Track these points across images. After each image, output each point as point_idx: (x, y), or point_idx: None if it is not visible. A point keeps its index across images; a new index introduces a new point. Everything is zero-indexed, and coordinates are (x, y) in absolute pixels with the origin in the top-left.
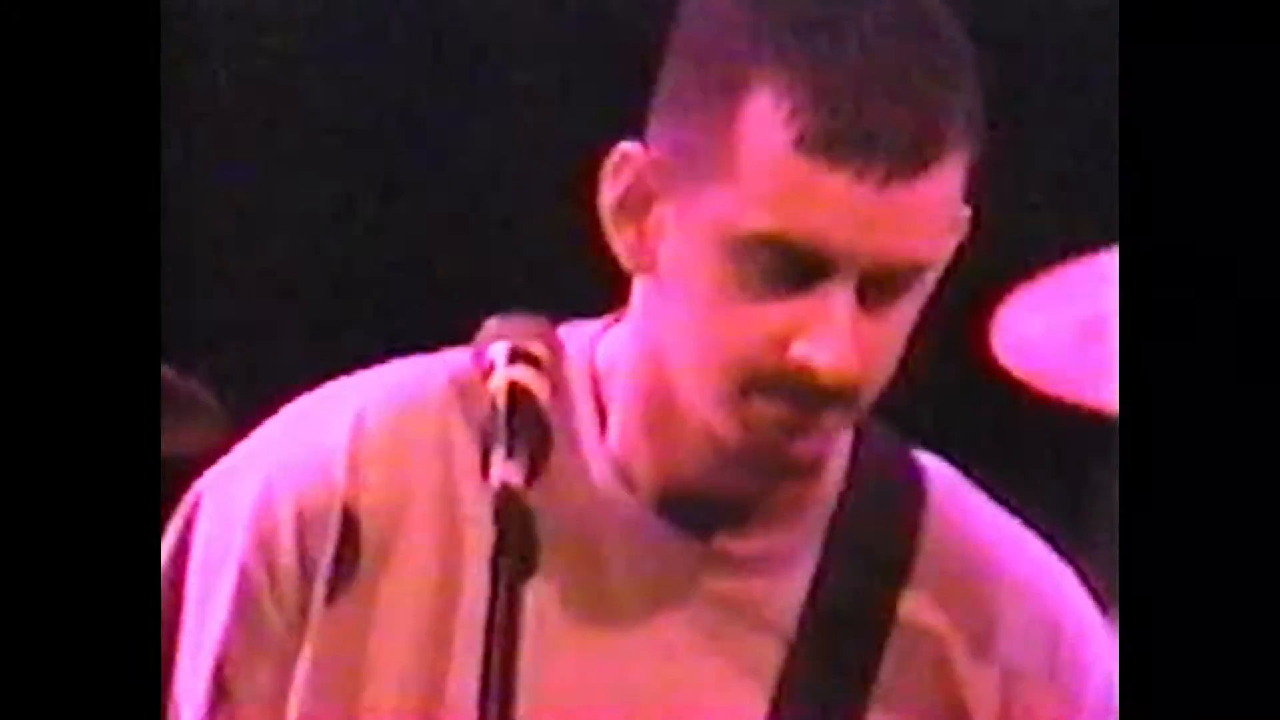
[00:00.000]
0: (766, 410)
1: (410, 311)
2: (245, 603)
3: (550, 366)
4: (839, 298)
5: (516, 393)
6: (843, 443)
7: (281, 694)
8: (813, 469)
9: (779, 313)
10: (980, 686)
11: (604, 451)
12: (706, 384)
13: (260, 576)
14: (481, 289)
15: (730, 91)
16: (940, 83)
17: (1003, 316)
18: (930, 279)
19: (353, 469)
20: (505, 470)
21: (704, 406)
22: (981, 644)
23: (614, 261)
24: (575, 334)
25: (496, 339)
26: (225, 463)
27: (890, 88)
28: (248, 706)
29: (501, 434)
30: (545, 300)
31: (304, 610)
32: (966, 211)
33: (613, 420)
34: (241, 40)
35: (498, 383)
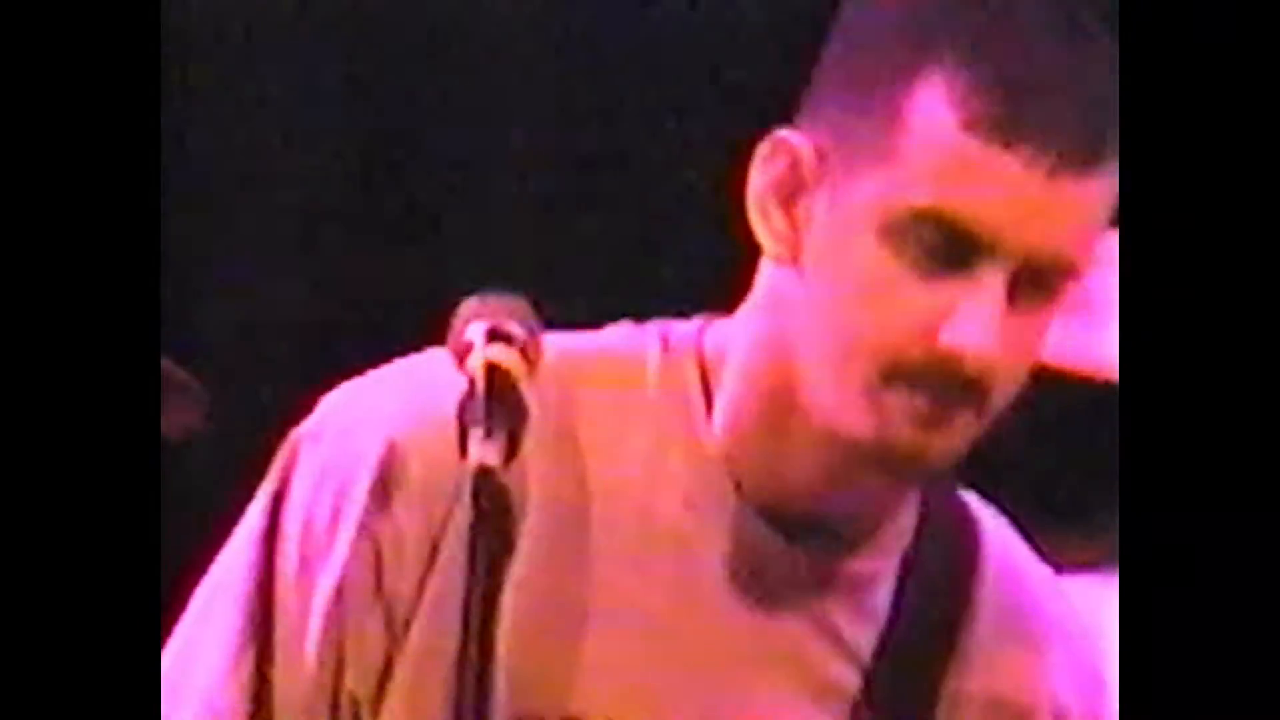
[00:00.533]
0: (905, 402)
1: (411, 312)
2: (363, 566)
3: (528, 346)
4: (992, 282)
5: (494, 373)
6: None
7: (387, 659)
8: (943, 471)
9: (930, 298)
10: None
11: (709, 443)
12: (848, 374)
13: (383, 540)
14: (485, 288)
15: (900, 78)
16: (1108, 85)
17: None
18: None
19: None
20: (483, 450)
21: (838, 400)
22: (1031, 693)
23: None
24: (677, 327)
25: (474, 319)
26: (322, 414)
27: (1065, 82)
28: (354, 668)
29: (480, 414)
30: (546, 302)
31: (423, 580)
32: (1114, 235)
33: (720, 413)
34: (241, 40)
35: (475, 363)
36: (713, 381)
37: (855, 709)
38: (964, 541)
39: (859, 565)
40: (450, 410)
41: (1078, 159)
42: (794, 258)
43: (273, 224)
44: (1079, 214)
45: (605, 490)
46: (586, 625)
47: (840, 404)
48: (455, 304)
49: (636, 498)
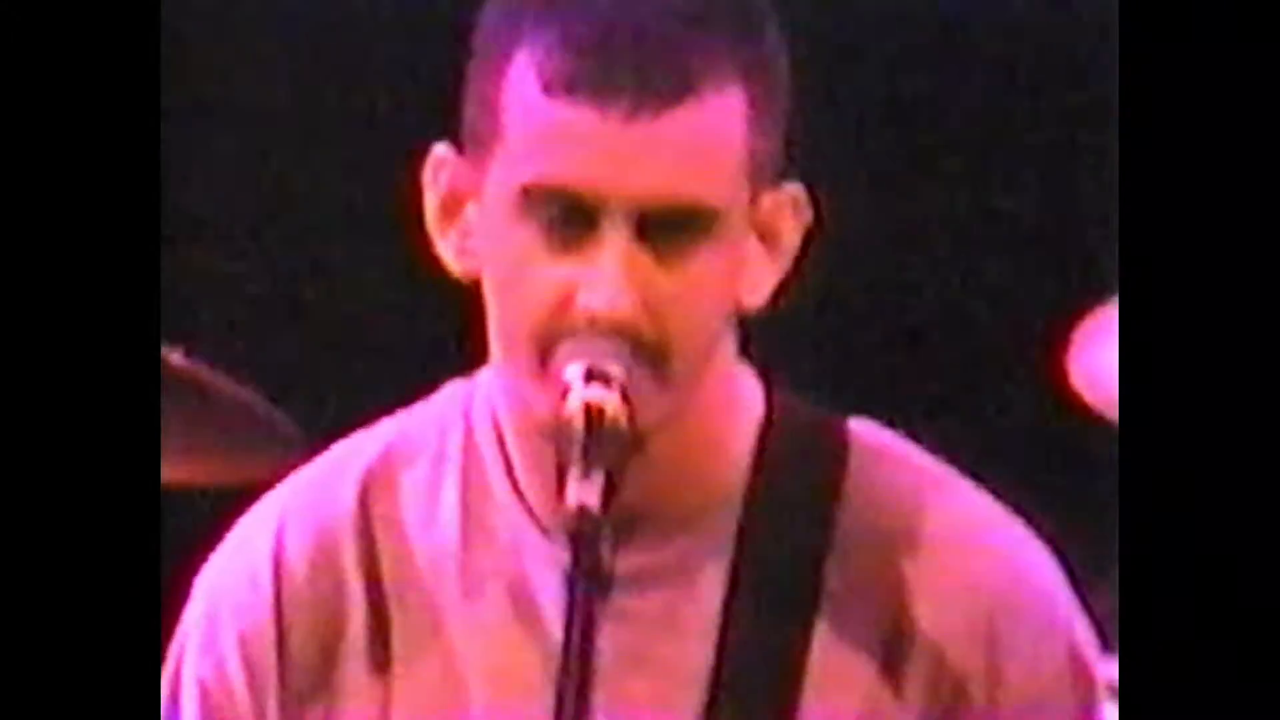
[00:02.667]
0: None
1: (411, 313)
2: (210, 713)
3: (626, 387)
4: (610, 241)
5: (592, 414)
6: (742, 439)
7: None
8: (642, 440)
9: (564, 268)
10: (910, 644)
11: (512, 489)
12: (520, 362)
13: (216, 692)
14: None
15: (498, 64)
16: (696, 27)
17: (1077, 345)
18: (740, 241)
19: (278, 585)
20: (581, 491)
21: (531, 392)
22: (908, 600)
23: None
24: (485, 376)
25: (572, 359)
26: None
27: (635, 30)
28: None
29: (578, 454)
30: None
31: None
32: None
33: (512, 454)
34: (241, 41)
35: (574, 404)
36: (501, 428)
37: (712, 684)
38: (823, 473)
39: (665, 555)
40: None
41: (653, 99)
42: (476, 268)
43: (273, 225)
44: (675, 151)
45: (431, 557)
46: (467, 692)
47: (531, 396)
48: (460, 303)
49: (463, 558)
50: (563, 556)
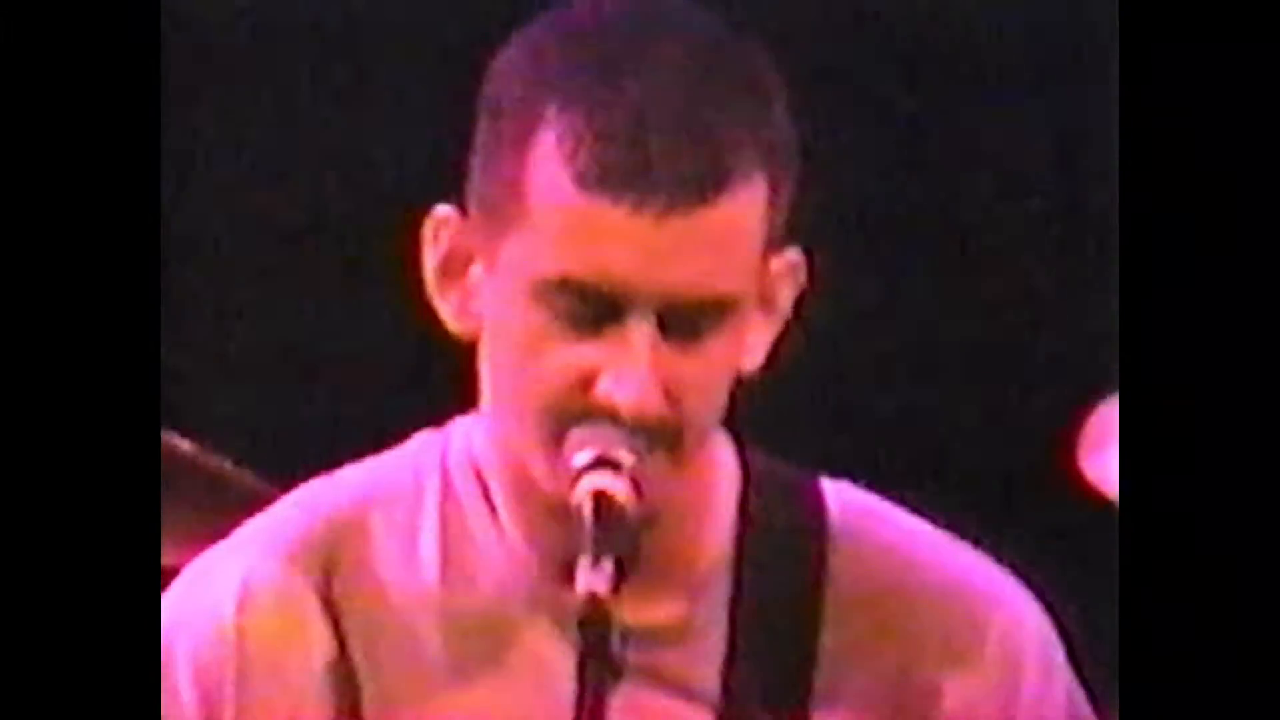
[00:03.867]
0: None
1: (412, 314)
2: None
3: (636, 473)
4: (636, 334)
5: (602, 501)
6: (726, 499)
7: None
8: (654, 519)
9: (583, 354)
10: (915, 698)
11: (497, 538)
12: (529, 438)
13: None
14: None
15: (520, 139)
16: (724, 115)
17: (1089, 432)
18: (749, 316)
19: (240, 628)
20: (590, 578)
21: (541, 465)
22: (909, 656)
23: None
24: (460, 426)
25: (582, 446)
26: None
27: (668, 122)
28: None
29: (587, 542)
30: None
31: None
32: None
33: (501, 511)
34: (241, 41)
35: (583, 492)
36: (486, 480)
37: None
38: (806, 535)
39: (668, 612)
40: (220, 612)
41: (687, 197)
42: (475, 332)
43: (273, 228)
44: (705, 248)
45: (407, 598)
46: None
47: (538, 469)
48: (461, 361)
49: (443, 599)
50: (556, 599)
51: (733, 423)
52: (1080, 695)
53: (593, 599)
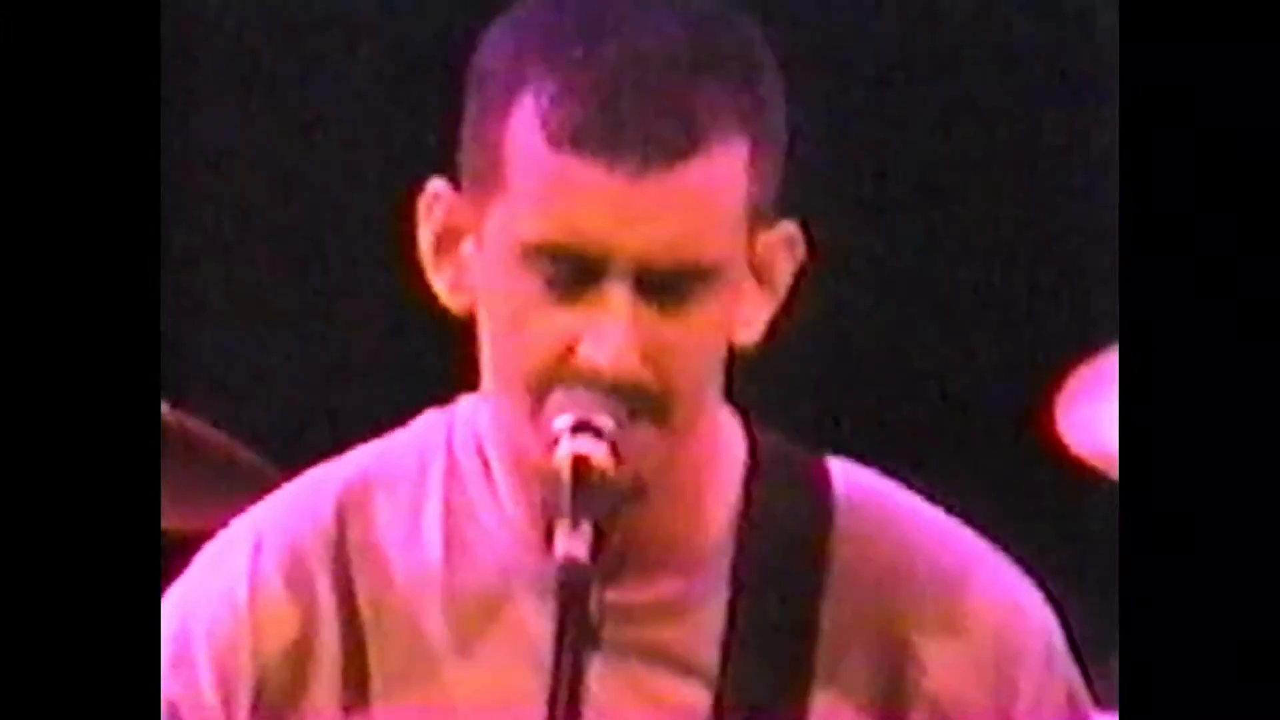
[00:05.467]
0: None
1: (412, 314)
2: None
3: (616, 439)
4: (614, 296)
5: (580, 465)
6: (730, 476)
7: None
8: (643, 489)
9: (564, 321)
10: (913, 680)
11: (498, 516)
12: (515, 405)
13: (186, 713)
14: None
15: (501, 105)
16: (702, 79)
17: (1067, 398)
18: (739, 286)
19: (254, 606)
20: (570, 543)
21: (525, 435)
22: (908, 639)
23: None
24: (465, 405)
25: (561, 410)
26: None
27: (642, 82)
28: None
29: (566, 507)
30: None
31: None
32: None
33: (499, 486)
34: (242, 41)
35: (562, 455)
36: (487, 455)
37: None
38: (811, 514)
39: (668, 587)
40: (233, 587)
41: (661, 156)
42: (470, 305)
43: (273, 230)
44: (679, 208)
45: (412, 578)
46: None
47: (523, 436)
48: (462, 339)
49: (446, 580)
50: (552, 580)
51: (737, 399)
52: (1081, 688)
53: (571, 563)
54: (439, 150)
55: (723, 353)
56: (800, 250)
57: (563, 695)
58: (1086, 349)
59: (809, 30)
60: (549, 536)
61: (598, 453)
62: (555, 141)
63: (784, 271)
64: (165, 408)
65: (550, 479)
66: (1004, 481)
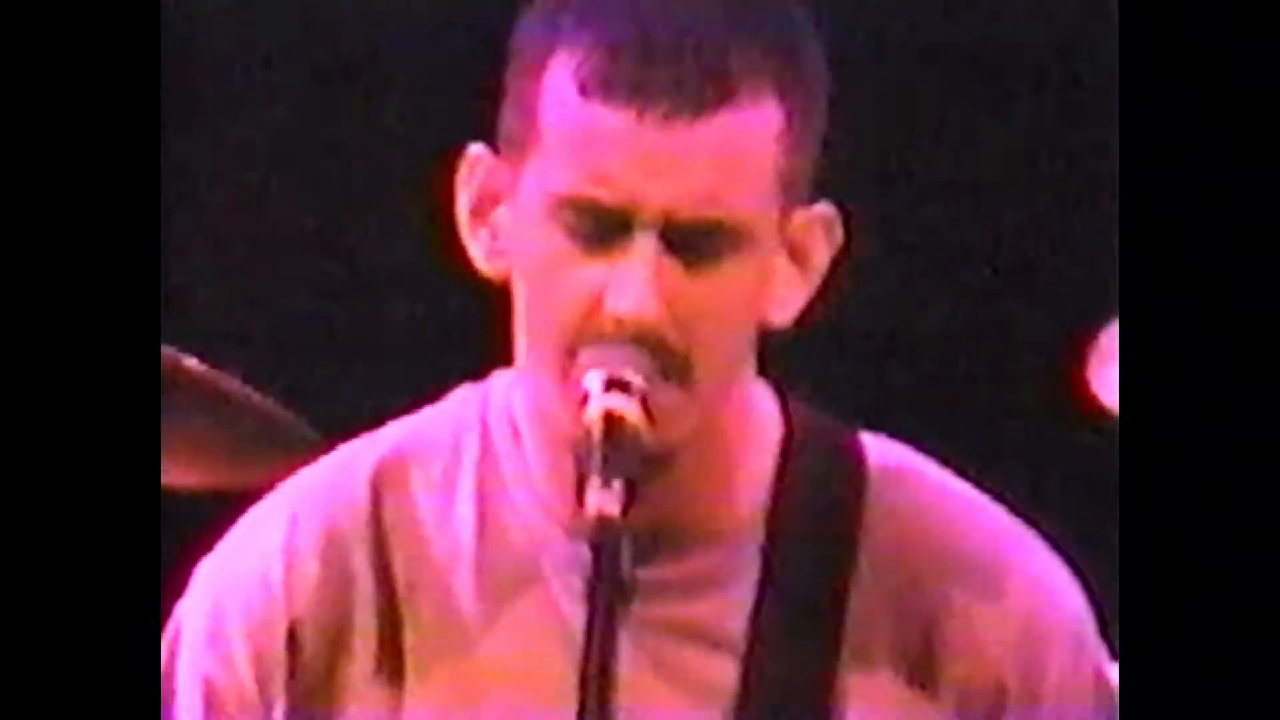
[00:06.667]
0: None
1: (414, 313)
2: (212, 713)
3: (646, 395)
4: (640, 247)
5: (612, 421)
6: (765, 450)
7: None
8: (669, 454)
9: (591, 273)
10: (942, 657)
11: (530, 492)
12: (545, 362)
13: (223, 689)
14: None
15: (536, 64)
16: (736, 37)
17: (1099, 352)
18: (771, 258)
19: (289, 582)
20: (601, 499)
21: (552, 398)
22: (938, 617)
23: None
24: (500, 380)
25: (592, 367)
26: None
27: (675, 34)
28: None
29: (597, 463)
30: None
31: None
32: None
33: (530, 459)
34: (242, 40)
35: (593, 411)
36: (519, 430)
37: (739, 699)
38: (844, 490)
39: (698, 564)
40: (268, 562)
41: (689, 105)
42: (505, 271)
43: (273, 230)
44: (707, 159)
45: (445, 554)
46: (485, 691)
47: (553, 401)
48: (461, 304)
49: (478, 556)
50: (583, 556)
51: (773, 376)
52: (1108, 672)
53: (603, 519)
54: (478, 121)
55: (752, 322)
56: (838, 233)
57: (595, 655)
58: (1099, 310)
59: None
60: (581, 501)
61: (629, 409)
62: (587, 91)
63: (820, 253)
64: (175, 355)
65: (581, 436)
66: (1030, 445)
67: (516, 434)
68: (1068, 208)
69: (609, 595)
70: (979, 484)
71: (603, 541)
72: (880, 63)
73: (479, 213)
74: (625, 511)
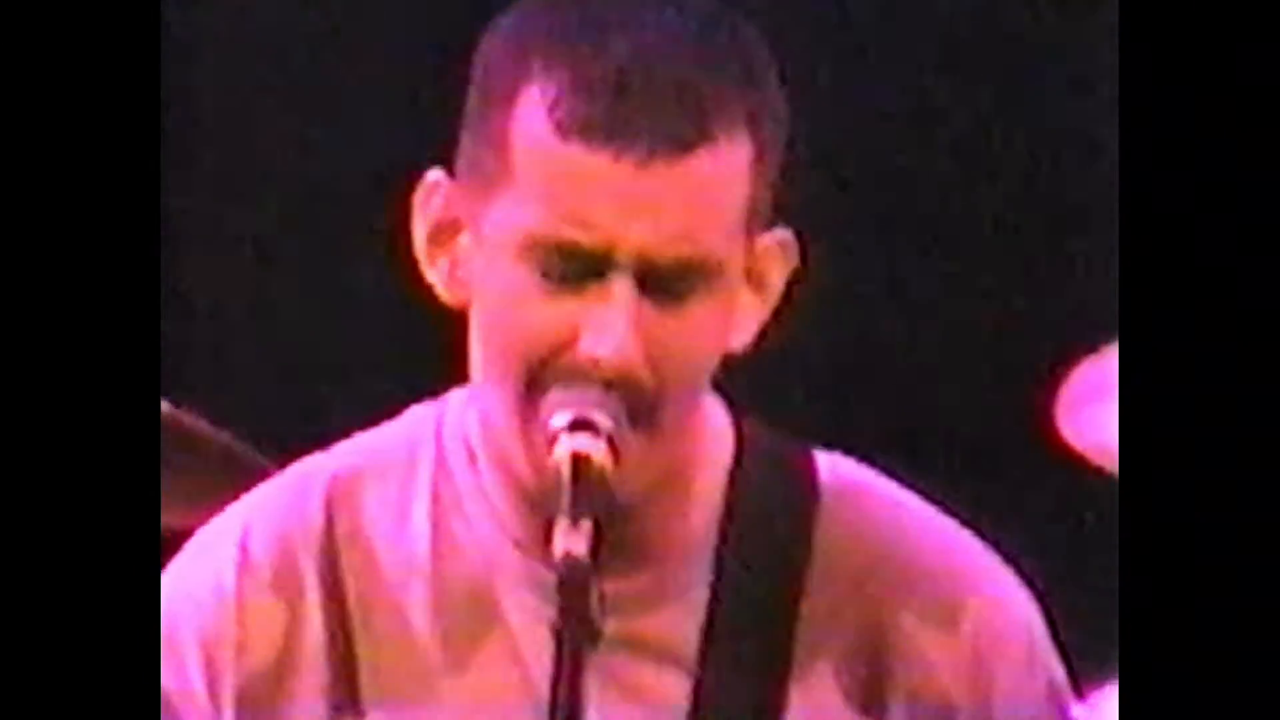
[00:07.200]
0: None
1: (412, 312)
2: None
3: (613, 436)
4: (617, 289)
5: (579, 463)
6: (715, 466)
7: None
8: (632, 496)
9: (564, 311)
10: (893, 671)
11: (485, 508)
12: (507, 402)
13: (179, 701)
14: None
15: (505, 96)
16: (708, 74)
17: (1068, 392)
18: (735, 290)
19: (241, 591)
20: (569, 540)
21: (511, 434)
22: (888, 630)
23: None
24: (456, 398)
25: (559, 408)
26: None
27: (650, 75)
28: None
29: (565, 504)
30: None
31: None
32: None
33: (485, 476)
34: (241, 40)
35: (561, 452)
36: (474, 450)
37: (691, 715)
38: (796, 506)
39: (650, 579)
40: (220, 578)
41: (667, 147)
42: (465, 299)
43: (273, 227)
44: (682, 200)
45: (399, 569)
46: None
47: (511, 437)
48: (457, 333)
49: (433, 571)
50: (537, 573)
51: (728, 390)
52: (1063, 681)
53: (571, 560)
54: (432, 145)
55: (717, 356)
56: (793, 255)
57: (563, 693)
58: (1086, 346)
59: (809, 24)
60: (542, 534)
61: (596, 450)
62: (563, 132)
63: (777, 277)
64: (165, 406)
65: (549, 477)
66: (1005, 480)
67: (471, 452)
68: (1061, 239)
69: (576, 635)
70: (947, 507)
71: (571, 581)
72: (864, 82)
73: (437, 240)
74: (594, 553)
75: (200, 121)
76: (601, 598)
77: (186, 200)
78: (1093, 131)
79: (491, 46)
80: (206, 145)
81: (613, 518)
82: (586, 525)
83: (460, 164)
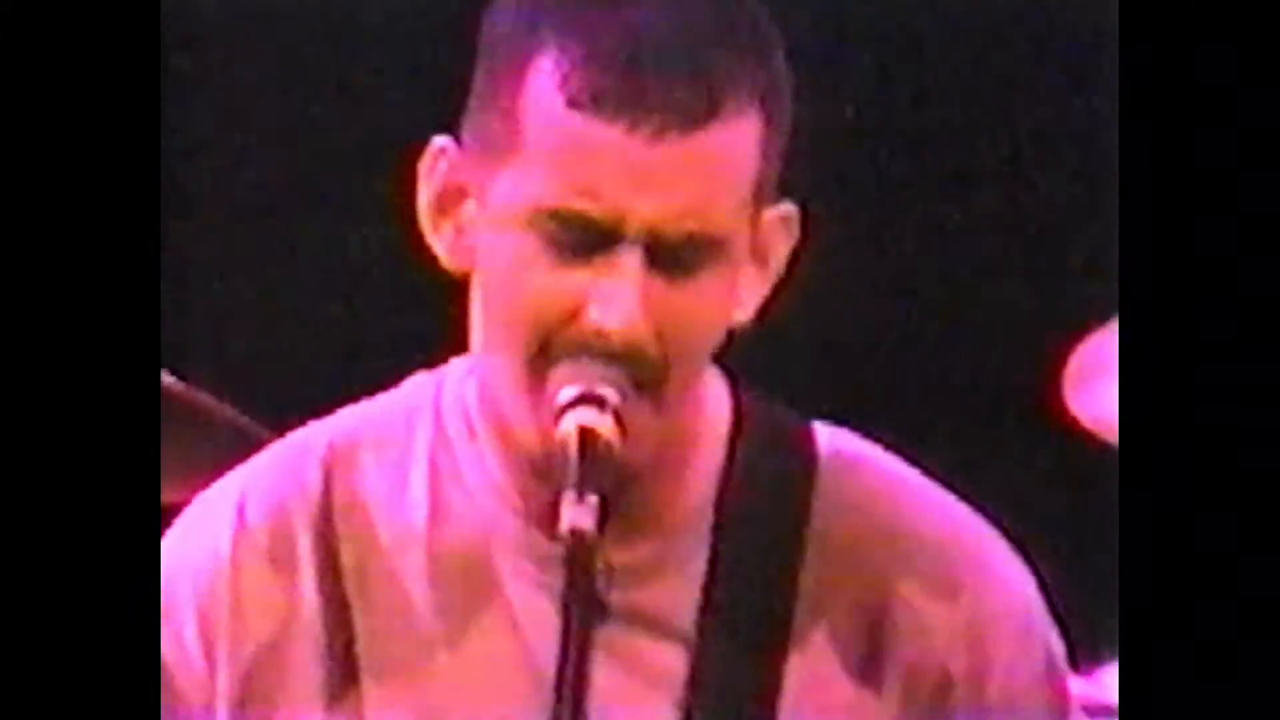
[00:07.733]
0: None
1: (415, 311)
2: (169, 693)
3: (620, 410)
4: (626, 261)
5: (586, 437)
6: (714, 439)
7: None
8: (636, 468)
9: (572, 280)
10: (890, 644)
11: (483, 477)
12: (511, 373)
13: (175, 668)
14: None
15: (516, 68)
16: (720, 49)
17: (1075, 366)
18: (740, 264)
19: (236, 556)
20: (575, 514)
21: (515, 406)
22: (885, 603)
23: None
24: (456, 367)
25: (567, 383)
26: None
27: (664, 49)
28: None
29: (572, 478)
30: None
31: (212, 703)
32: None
33: (484, 445)
34: (241, 39)
35: (567, 427)
36: (473, 418)
37: (688, 686)
38: (794, 478)
39: (649, 550)
40: (216, 546)
41: (680, 121)
42: (468, 266)
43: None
44: (693, 174)
45: (396, 537)
46: (433, 672)
47: (517, 408)
48: (458, 303)
49: (430, 540)
50: (535, 540)
51: (729, 363)
52: (1060, 655)
53: (577, 535)
54: (436, 113)
55: (723, 329)
56: (796, 230)
57: (570, 666)
58: (1090, 323)
59: (811, 12)
60: (544, 504)
61: (603, 425)
62: (576, 103)
63: (781, 251)
64: (166, 379)
65: (554, 449)
66: (1007, 453)
67: (470, 421)
68: (1060, 205)
69: (583, 608)
70: (953, 487)
71: (577, 556)
72: (868, 66)
73: (442, 207)
74: (600, 527)
75: (201, 91)
76: (609, 571)
77: (187, 172)
78: (1095, 111)
79: (501, 15)
80: (207, 115)
81: (613, 489)
82: (593, 500)
83: (467, 132)
